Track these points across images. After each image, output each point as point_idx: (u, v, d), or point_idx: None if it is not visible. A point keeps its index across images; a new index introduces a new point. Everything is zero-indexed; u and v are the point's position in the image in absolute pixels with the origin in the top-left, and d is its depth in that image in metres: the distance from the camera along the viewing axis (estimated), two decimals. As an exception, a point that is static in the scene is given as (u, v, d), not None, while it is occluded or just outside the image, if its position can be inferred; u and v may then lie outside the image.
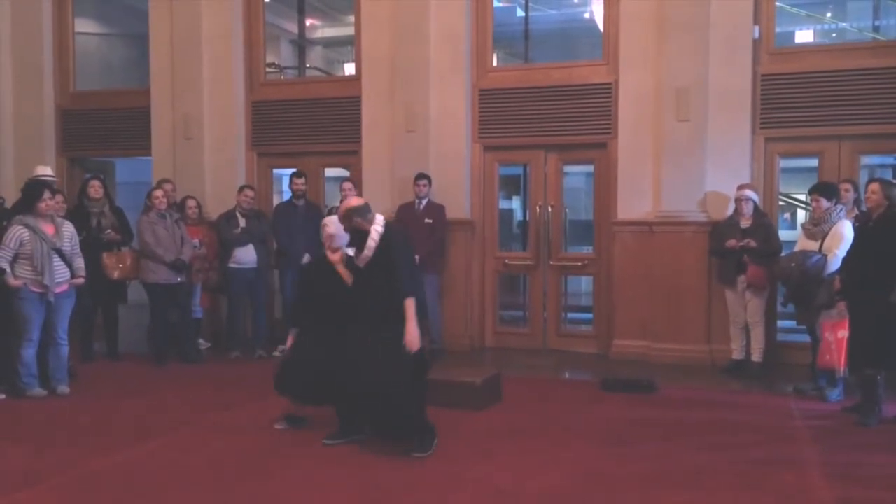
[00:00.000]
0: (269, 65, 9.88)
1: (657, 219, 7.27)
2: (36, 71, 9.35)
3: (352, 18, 8.62)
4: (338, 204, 6.06)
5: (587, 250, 8.24)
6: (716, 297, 7.04)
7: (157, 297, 7.05)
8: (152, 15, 8.80)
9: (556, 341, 7.95)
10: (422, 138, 7.88)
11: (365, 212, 4.63)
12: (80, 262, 6.10)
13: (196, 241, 7.40)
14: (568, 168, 8.29)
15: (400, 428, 4.61)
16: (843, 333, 5.41)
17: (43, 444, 4.79)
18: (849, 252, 5.48)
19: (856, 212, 6.10)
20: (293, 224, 7.54)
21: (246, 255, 7.45)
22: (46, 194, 5.89)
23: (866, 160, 8.38)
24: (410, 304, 4.49)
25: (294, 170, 8.04)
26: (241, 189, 7.70)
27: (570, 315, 8.42)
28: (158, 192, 7.14)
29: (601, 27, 7.88)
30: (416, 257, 7.11)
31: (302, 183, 7.69)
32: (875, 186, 5.25)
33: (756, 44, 7.15)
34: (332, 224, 4.90)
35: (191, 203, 7.64)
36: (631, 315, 7.39)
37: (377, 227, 4.59)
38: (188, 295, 7.37)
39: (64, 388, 6.01)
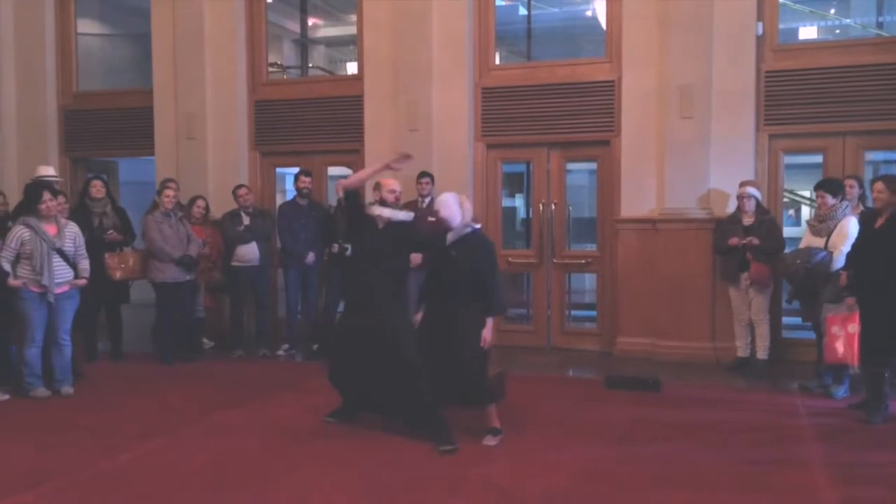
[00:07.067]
0: (272, 64, 9.88)
1: (661, 216, 7.25)
2: (38, 71, 9.38)
3: (354, 17, 8.61)
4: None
5: (591, 248, 8.22)
6: (720, 294, 7.02)
7: (165, 295, 7.04)
8: (154, 15, 8.82)
9: (560, 339, 7.94)
10: (424, 137, 7.86)
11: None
12: (84, 264, 6.07)
13: (200, 240, 7.40)
14: (571, 165, 8.26)
15: (415, 416, 4.80)
16: (854, 328, 5.34)
17: (47, 445, 4.78)
18: (854, 248, 5.43)
19: (861, 208, 6.08)
20: (297, 223, 7.53)
21: (249, 253, 7.45)
22: (46, 196, 5.85)
23: (870, 156, 8.35)
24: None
25: (300, 168, 8.02)
26: (237, 189, 7.69)
27: (574, 313, 8.42)
28: (169, 192, 7.14)
29: (604, 25, 7.86)
30: (420, 256, 7.20)
31: (309, 181, 7.67)
32: (881, 185, 5.19)
33: (759, 40, 7.13)
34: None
35: (199, 203, 7.62)
36: (635, 312, 7.38)
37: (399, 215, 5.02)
38: (192, 294, 7.38)
39: (68, 389, 6.01)
